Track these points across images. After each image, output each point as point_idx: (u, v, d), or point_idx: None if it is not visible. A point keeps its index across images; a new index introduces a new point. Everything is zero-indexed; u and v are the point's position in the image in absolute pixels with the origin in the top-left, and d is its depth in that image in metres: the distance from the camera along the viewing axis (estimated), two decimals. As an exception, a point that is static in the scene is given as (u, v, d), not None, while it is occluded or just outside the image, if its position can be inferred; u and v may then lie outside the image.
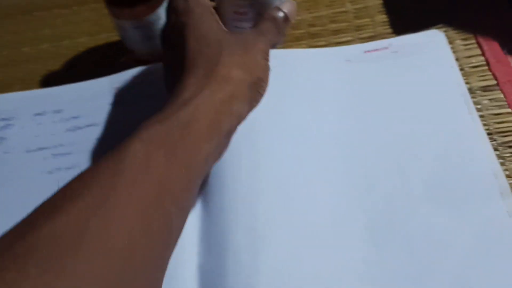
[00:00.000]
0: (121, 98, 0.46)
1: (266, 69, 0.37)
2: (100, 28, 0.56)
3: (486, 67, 0.44)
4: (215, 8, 0.45)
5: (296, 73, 0.45)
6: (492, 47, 0.46)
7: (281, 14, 0.39)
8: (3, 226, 0.39)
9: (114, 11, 0.46)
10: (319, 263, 0.35)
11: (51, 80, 0.52)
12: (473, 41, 0.46)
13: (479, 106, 0.42)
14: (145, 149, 0.27)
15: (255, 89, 0.35)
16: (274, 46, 0.42)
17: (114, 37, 0.54)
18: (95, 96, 0.47)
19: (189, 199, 0.30)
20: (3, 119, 0.48)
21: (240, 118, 0.34)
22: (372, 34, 0.49)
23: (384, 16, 0.51)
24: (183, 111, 0.30)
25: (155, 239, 0.26)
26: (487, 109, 0.42)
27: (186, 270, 0.36)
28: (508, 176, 0.38)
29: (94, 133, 0.44)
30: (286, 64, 0.46)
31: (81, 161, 0.43)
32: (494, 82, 0.43)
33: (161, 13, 0.46)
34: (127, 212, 0.24)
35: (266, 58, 0.37)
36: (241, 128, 0.42)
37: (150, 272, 0.26)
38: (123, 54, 0.51)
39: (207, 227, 0.38)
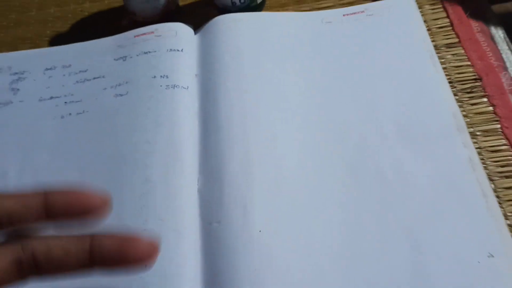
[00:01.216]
0: (124, 54, 0.51)
1: None
2: (102, -5, 0.60)
3: (450, 28, 0.50)
4: None
5: (286, 33, 0.51)
6: (456, 11, 0.52)
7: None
8: (22, 164, 0.45)
9: (118, -25, 0.51)
10: (304, 186, 0.41)
11: (58, 40, 0.56)
12: (440, 6, 0.52)
13: (443, 60, 0.48)
14: None
15: None
16: None
17: (115, 3, 0.59)
18: (101, 53, 0.52)
19: None
20: (16, 73, 0.52)
21: None
22: (351, 0, 0.55)
23: (361, -15, 0.56)
24: None
25: None
26: (450, 62, 0.48)
27: (187, 195, 0.41)
28: (465, 116, 0.44)
29: (101, 84, 0.49)
30: (278, 25, 0.52)
31: (90, 107, 0.48)
32: (457, 40, 0.49)
33: (161, -22, 0.51)
34: None
35: None
36: (230, 84, 0.47)
37: None
38: (125, 17, 0.56)
39: (206, 158, 0.43)
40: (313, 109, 0.46)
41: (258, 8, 0.55)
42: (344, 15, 0.53)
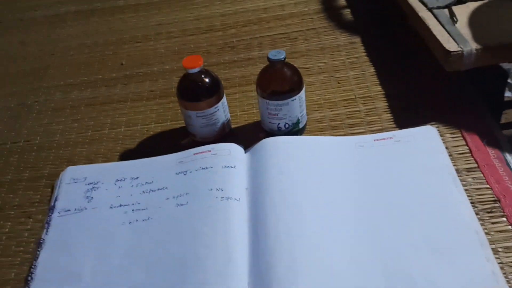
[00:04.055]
0: (184, 169, 0.60)
1: None
2: (165, 117, 0.71)
3: (469, 154, 0.58)
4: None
5: (324, 154, 0.59)
6: (474, 139, 0.59)
7: None
8: (96, 266, 0.51)
9: (183, 104, 0.61)
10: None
11: (127, 155, 0.65)
12: (459, 135, 0.60)
13: (464, 183, 0.54)
14: None
15: None
16: None
17: (176, 124, 0.69)
18: (165, 167, 0.61)
19: None
20: (91, 183, 0.61)
21: None
22: (380, 127, 0.64)
23: (389, 115, 0.65)
24: None
25: None
26: (470, 185, 0.54)
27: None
28: (487, 234, 0.49)
29: (164, 194, 0.57)
30: (317, 147, 0.60)
31: (155, 215, 0.55)
32: (475, 165, 0.56)
33: (219, 107, 0.61)
34: None
35: None
36: (276, 196, 0.54)
37: None
38: (185, 136, 0.66)
39: (255, 262, 0.49)
40: (350, 221, 0.52)
41: (299, 132, 0.63)
42: (374, 140, 0.61)
